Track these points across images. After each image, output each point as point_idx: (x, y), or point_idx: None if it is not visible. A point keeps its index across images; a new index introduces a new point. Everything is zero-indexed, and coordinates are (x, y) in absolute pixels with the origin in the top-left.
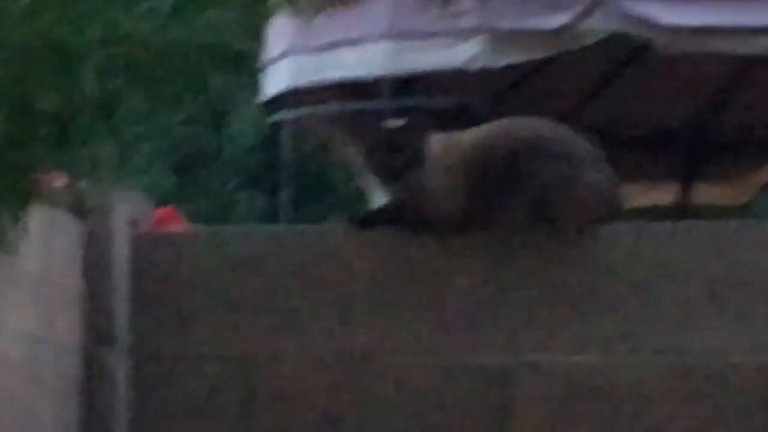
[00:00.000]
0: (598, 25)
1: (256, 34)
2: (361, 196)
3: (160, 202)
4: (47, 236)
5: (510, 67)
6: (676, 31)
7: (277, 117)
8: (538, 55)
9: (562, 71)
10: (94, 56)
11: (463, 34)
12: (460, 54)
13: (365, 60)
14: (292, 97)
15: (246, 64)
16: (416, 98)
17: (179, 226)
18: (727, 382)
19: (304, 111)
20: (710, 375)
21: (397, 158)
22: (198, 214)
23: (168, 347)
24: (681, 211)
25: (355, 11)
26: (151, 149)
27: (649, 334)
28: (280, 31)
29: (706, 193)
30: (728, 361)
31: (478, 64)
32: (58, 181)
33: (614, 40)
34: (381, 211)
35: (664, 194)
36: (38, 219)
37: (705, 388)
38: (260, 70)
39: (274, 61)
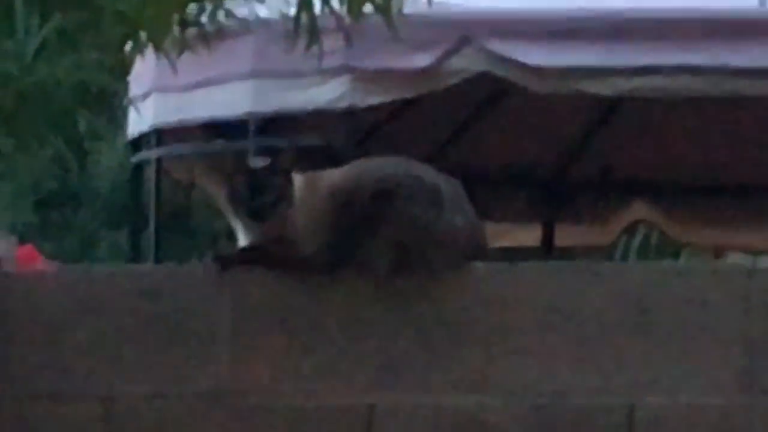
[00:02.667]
0: (463, 65)
1: (120, 73)
2: (225, 236)
3: (23, 240)
4: None
5: (374, 107)
6: (541, 71)
7: (141, 156)
8: (403, 95)
9: (427, 111)
10: None
11: (328, 74)
12: (325, 93)
13: (229, 99)
14: (157, 136)
15: (111, 103)
16: (280, 138)
17: (38, 264)
18: (595, 423)
19: (167, 150)
20: (578, 416)
21: (260, 198)
22: (60, 253)
23: (26, 387)
24: (545, 251)
25: (219, 50)
26: (14, 188)
27: (513, 375)
28: (144, 70)
29: (569, 234)
30: (597, 401)
31: (342, 104)
32: None
33: (478, 80)
34: (245, 251)
35: (528, 235)
36: None
37: (564, 430)
38: (124, 108)
39: (138, 100)
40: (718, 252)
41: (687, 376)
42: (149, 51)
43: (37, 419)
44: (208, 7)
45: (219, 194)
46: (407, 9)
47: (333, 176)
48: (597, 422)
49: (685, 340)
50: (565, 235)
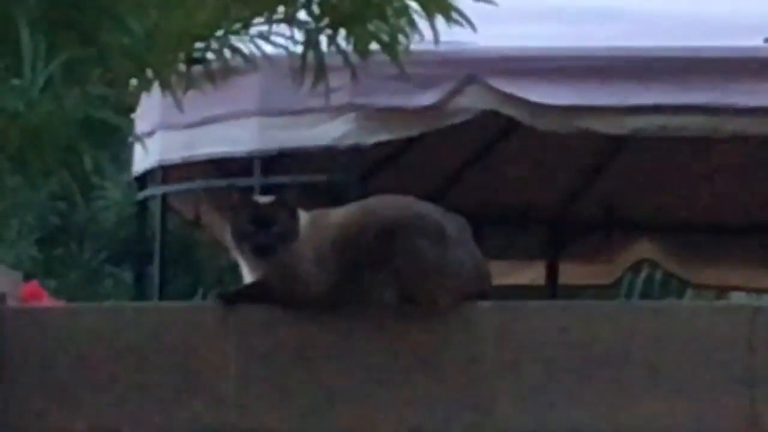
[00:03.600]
0: (468, 103)
1: (126, 109)
2: (229, 272)
3: (27, 276)
4: None
5: (379, 145)
6: (546, 109)
7: (146, 192)
8: (408, 133)
9: (432, 149)
10: None
11: (334, 112)
12: (330, 131)
13: (235, 136)
14: (162, 172)
15: (116, 140)
16: (285, 175)
17: (43, 300)
18: None
19: (172, 187)
20: None
21: (265, 235)
22: (65, 289)
23: (33, 423)
24: (549, 289)
25: (225, 88)
26: (19, 224)
27: (519, 413)
28: (150, 107)
29: (573, 272)
30: None
31: (347, 142)
32: None
33: (483, 118)
34: (249, 288)
35: (532, 273)
36: None
37: None
38: (130, 145)
39: (143, 136)
40: (722, 291)
41: (691, 415)
42: (155, 88)
43: None
44: (214, 44)
45: (224, 231)
46: (413, 47)
47: (338, 214)
48: None
49: (690, 378)
50: (570, 274)
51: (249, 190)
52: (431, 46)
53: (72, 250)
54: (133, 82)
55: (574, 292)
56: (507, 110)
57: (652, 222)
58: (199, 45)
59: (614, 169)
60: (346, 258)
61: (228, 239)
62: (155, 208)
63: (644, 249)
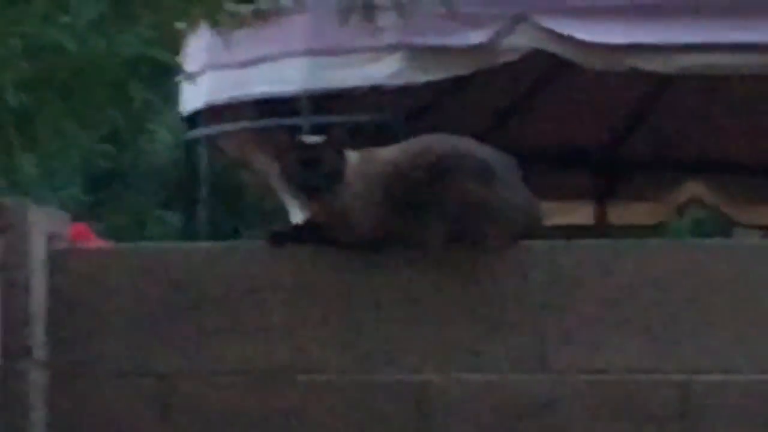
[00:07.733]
0: (518, 42)
1: (176, 48)
2: (278, 213)
3: (75, 217)
4: None
5: (429, 84)
6: (595, 48)
7: (194, 133)
8: (458, 72)
9: (481, 88)
10: (15, 68)
11: (383, 51)
12: (379, 70)
13: (284, 76)
14: (210, 112)
15: (165, 79)
16: (334, 115)
17: (91, 242)
18: (650, 400)
19: (221, 127)
20: (634, 394)
21: (314, 174)
22: (112, 230)
23: (83, 363)
24: (598, 229)
25: (274, 27)
26: (69, 165)
27: (568, 352)
28: (199, 47)
29: (622, 212)
30: (652, 379)
31: (397, 81)
32: None
33: (533, 57)
34: (298, 228)
35: (581, 213)
36: None
37: (618, 406)
38: (179, 84)
39: (192, 76)
40: None
41: (739, 353)
42: (204, 28)
43: (94, 396)
44: None
45: (272, 171)
46: None
47: (387, 153)
48: (652, 400)
49: (737, 317)
50: (618, 214)
51: (297, 130)
52: None
53: (119, 192)
54: (182, 23)
55: (623, 232)
56: (556, 49)
57: (702, 162)
58: None
59: (664, 109)
60: (395, 197)
61: (276, 180)
62: (203, 149)
63: (693, 189)
